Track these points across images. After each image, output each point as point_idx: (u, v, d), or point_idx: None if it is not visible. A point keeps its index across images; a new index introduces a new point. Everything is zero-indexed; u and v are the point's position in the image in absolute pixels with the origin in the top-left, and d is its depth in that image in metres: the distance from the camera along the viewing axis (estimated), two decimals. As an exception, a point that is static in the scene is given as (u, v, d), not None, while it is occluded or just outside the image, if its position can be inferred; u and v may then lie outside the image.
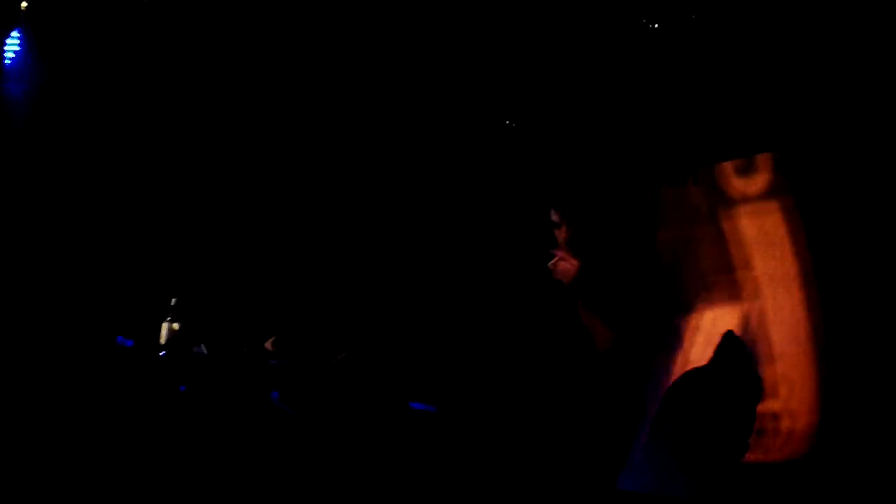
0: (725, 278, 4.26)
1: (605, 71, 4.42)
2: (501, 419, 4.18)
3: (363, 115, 5.03)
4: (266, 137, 5.14)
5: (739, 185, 4.27)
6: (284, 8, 4.98)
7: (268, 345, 4.51)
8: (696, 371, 4.18)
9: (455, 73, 4.84)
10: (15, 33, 5.04)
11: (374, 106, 5.01)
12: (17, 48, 5.06)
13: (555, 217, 4.00)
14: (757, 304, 4.18)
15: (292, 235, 5.10)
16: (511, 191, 4.13)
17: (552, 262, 3.96)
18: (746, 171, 4.27)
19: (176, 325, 4.51)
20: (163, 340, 4.51)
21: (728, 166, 4.30)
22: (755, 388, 4.07)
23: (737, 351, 4.14)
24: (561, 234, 3.96)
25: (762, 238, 4.22)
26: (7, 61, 5.06)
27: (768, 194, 4.22)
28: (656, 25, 4.30)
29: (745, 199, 4.27)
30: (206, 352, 4.49)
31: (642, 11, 4.36)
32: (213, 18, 5.05)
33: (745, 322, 4.20)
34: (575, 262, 3.89)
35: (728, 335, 4.17)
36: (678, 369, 4.27)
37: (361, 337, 4.83)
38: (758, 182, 4.21)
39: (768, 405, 4.08)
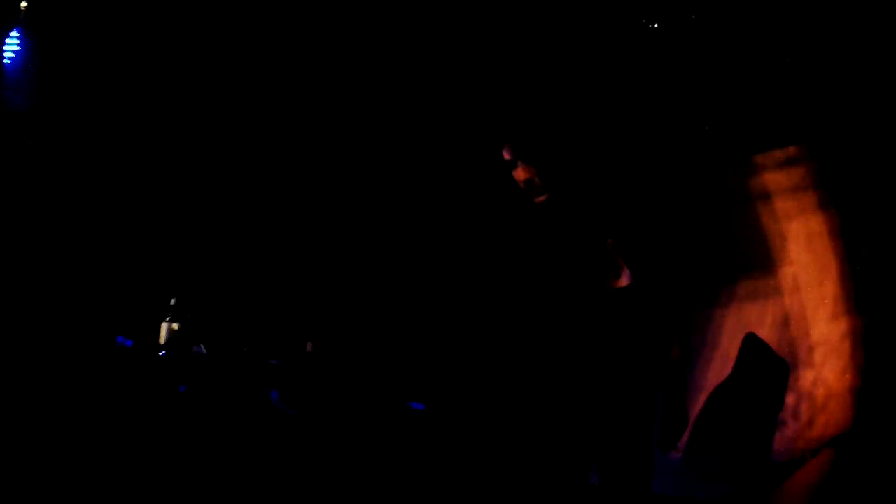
0: (759, 274, 4.24)
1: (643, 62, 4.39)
2: (500, 418, 4.18)
3: (360, 116, 5.02)
4: (265, 138, 5.14)
5: (774, 177, 4.25)
6: (284, 8, 4.98)
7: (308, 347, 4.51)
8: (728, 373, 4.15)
9: (452, 75, 4.84)
10: (15, 33, 5.04)
11: (369, 107, 5.00)
12: (16, 48, 5.06)
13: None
14: (792, 301, 4.16)
15: (292, 235, 5.09)
16: (505, 187, 4.09)
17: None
18: (782, 163, 4.25)
19: (176, 325, 4.51)
20: (163, 340, 4.51)
21: (763, 158, 4.27)
22: (778, 394, 4.06)
23: (762, 354, 4.13)
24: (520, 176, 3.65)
25: (799, 232, 4.20)
26: (7, 61, 5.05)
27: (804, 187, 4.20)
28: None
29: (780, 193, 4.24)
30: (206, 352, 4.49)
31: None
32: (212, 18, 5.05)
33: (781, 320, 4.19)
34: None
35: (750, 336, 4.16)
36: (702, 368, 4.25)
37: (361, 336, 4.84)
38: (793, 175, 4.18)
39: (806, 412, 4.07)
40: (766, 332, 4.22)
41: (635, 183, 4.04)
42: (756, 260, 4.29)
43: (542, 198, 3.58)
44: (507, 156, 3.62)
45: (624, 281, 3.51)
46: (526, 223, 3.74)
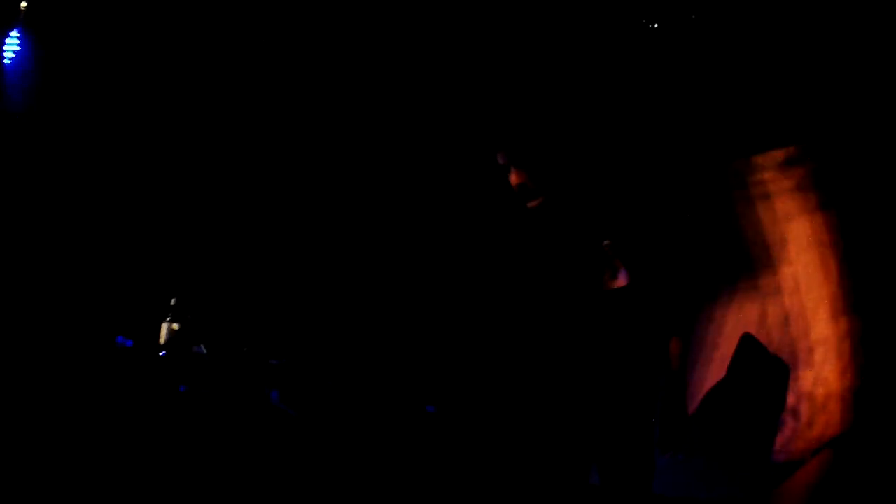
0: (760, 274, 4.24)
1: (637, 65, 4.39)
2: (499, 418, 4.18)
3: (361, 121, 5.03)
4: (265, 138, 5.14)
5: (774, 178, 4.24)
6: (283, 8, 4.98)
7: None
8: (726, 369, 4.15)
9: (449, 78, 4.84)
10: (15, 33, 5.04)
11: (369, 112, 5.01)
12: (17, 48, 5.06)
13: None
14: (792, 301, 4.16)
15: (292, 236, 5.10)
16: (502, 192, 4.09)
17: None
18: (782, 163, 4.24)
19: (176, 325, 4.51)
20: (163, 340, 4.51)
21: (763, 158, 4.27)
22: (778, 394, 4.06)
23: (762, 354, 4.13)
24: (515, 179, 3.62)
25: (799, 233, 4.19)
26: (7, 61, 5.05)
27: (804, 188, 4.19)
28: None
29: (780, 193, 4.24)
30: (206, 352, 4.49)
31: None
32: (212, 18, 5.05)
33: (780, 320, 4.19)
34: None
35: (750, 336, 4.16)
36: (702, 368, 4.25)
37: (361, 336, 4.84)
38: (793, 175, 4.18)
39: (806, 412, 4.07)
40: (766, 332, 4.22)
41: (632, 183, 4.04)
42: (756, 260, 4.29)
43: (535, 202, 3.58)
44: (500, 161, 3.63)
45: (621, 281, 3.51)
46: (523, 227, 3.75)
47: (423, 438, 4.36)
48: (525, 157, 3.59)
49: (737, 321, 4.30)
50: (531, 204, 3.60)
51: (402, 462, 4.28)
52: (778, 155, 4.30)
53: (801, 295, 4.20)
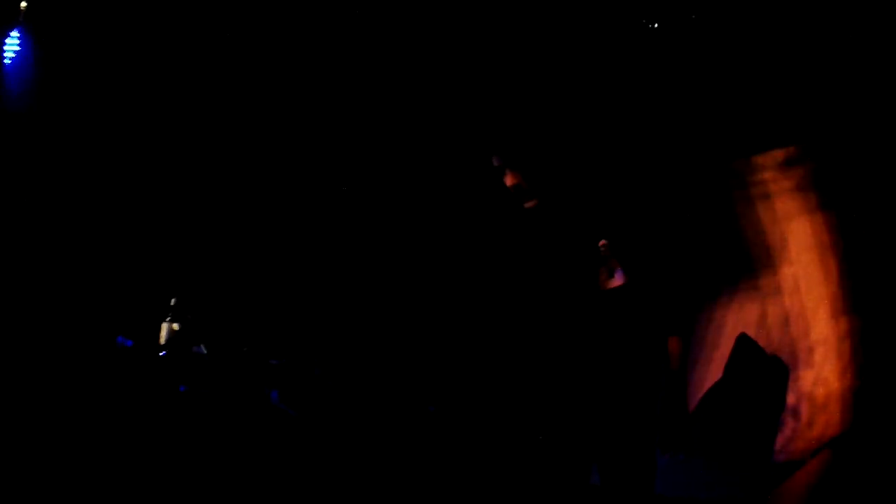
0: (760, 273, 4.25)
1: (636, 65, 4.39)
2: (500, 419, 4.19)
3: (361, 124, 5.03)
4: (265, 138, 5.14)
5: (774, 178, 4.25)
6: (282, 9, 4.98)
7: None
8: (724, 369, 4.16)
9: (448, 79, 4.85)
10: (15, 33, 5.05)
11: (369, 116, 5.01)
12: (17, 48, 5.06)
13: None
14: (792, 301, 4.17)
15: (292, 236, 5.10)
16: (499, 193, 4.10)
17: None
18: (782, 163, 4.25)
19: (176, 325, 4.51)
20: (163, 340, 4.51)
21: (763, 158, 4.27)
22: (778, 394, 4.07)
23: (761, 354, 4.13)
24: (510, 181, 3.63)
25: (799, 233, 4.20)
26: (7, 61, 5.06)
27: (804, 188, 4.20)
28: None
29: (780, 193, 4.25)
30: (206, 352, 4.50)
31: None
32: (212, 18, 5.06)
33: (780, 320, 4.19)
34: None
35: (749, 336, 4.17)
36: (702, 368, 4.26)
37: (362, 337, 4.85)
38: (793, 175, 4.19)
39: (806, 412, 4.08)
40: (766, 332, 4.23)
41: (630, 183, 4.05)
42: (756, 260, 4.29)
43: (531, 203, 3.59)
44: (496, 163, 3.64)
45: (618, 281, 3.52)
46: (519, 228, 3.76)
47: (424, 438, 4.36)
48: (520, 159, 3.60)
49: (737, 321, 4.30)
50: (527, 205, 3.61)
51: (403, 462, 4.29)
52: (778, 155, 4.30)
53: (801, 295, 4.21)
